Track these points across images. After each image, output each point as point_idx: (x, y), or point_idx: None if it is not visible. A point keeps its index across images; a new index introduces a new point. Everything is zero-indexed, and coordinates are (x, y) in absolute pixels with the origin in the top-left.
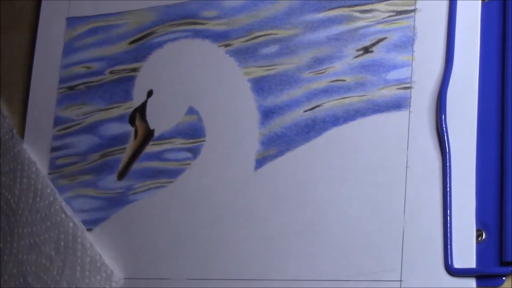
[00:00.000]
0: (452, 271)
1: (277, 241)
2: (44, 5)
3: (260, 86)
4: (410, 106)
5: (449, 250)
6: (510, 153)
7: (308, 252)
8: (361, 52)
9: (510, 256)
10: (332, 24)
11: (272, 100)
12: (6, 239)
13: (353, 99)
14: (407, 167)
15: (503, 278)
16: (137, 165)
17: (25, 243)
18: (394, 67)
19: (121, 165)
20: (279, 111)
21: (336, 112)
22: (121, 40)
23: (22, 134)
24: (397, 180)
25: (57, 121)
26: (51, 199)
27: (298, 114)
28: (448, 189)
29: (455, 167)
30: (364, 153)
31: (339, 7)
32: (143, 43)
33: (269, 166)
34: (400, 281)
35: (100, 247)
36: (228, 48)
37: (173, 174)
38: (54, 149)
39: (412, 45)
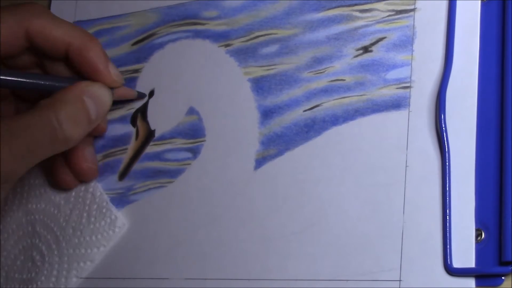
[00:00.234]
0: (452, 271)
1: (276, 240)
2: (52, 11)
3: (260, 86)
4: (409, 105)
5: (448, 249)
6: (510, 152)
7: (307, 251)
8: (361, 51)
9: (509, 255)
10: (331, 23)
11: (272, 100)
12: (16, 190)
13: (353, 99)
14: (406, 166)
15: (503, 277)
16: (137, 166)
17: (35, 193)
18: (394, 66)
19: (122, 166)
20: (279, 111)
21: (335, 112)
22: (124, 42)
23: None
24: (396, 180)
25: None
26: None
27: (297, 114)
28: (447, 188)
29: (455, 166)
30: (363, 153)
31: (338, 6)
32: (145, 44)
33: (268, 166)
34: (400, 280)
35: None
36: (228, 48)
37: (173, 174)
38: None
39: (412, 45)
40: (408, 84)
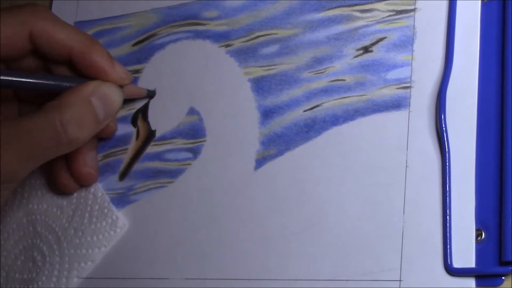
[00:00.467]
0: (452, 271)
1: (276, 240)
2: (53, 11)
3: (260, 86)
4: (409, 105)
5: (448, 249)
6: (510, 152)
7: (307, 251)
8: (361, 51)
9: (509, 255)
10: (332, 23)
11: (272, 100)
12: (17, 190)
13: (353, 99)
14: (406, 166)
15: (503, 277)
16: (138, 166)
17: (36, 194)
18: (394, 66)
19: (122, 166)
20: (279, 111)
21: (335, 112)
22: (125, 42)
23: None
24: (396, 180)
25: None
26: None
27: (298, 114)
28: (447, 188)
29: (455, 166)
30: (363, 153)
31: (339, 6)
32: (145, 45)
33: (269, 166)
34: (400, 280)
35: None
36: (228, 48)
37: (173, 174)
38: None
39: (412, 45)
40: (408, 84)
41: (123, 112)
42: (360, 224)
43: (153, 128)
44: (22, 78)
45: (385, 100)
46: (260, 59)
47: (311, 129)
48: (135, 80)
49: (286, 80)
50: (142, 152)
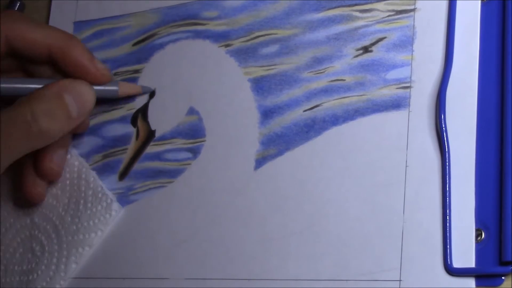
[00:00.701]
0: (452, 271)
1: (276, 240)
2: (53, 11)
3: (260, 86)
4: (409, 105)
5: (448, 249)
6: (509, 152)
7: (307, 252)
8: (361, 51)
9: (509, 255)
10: (331, 23)
11: (272, 100)
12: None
13: (353, 99)
14: (406, 166)
15: (503, 277)
16: (138, 166)
17: None
18: (394, 66)
19: (122, 166)
20: (279, 111)
21: (335, 112)
22: (125, 42)
23: None
24: (396, 180)
25: None
26: None
27: (297, 114)
28: (447, 188)
29: (455, 166)
30: (363, 153)
31: (338, 6)
32: (145, 45)
33: (268, 166)
34: (400, 280)
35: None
36: (228, 48)
37: (173, 174)
38: None
39: (412, 45)
40: (408, 84)
41: (123, 112)
42: (360, 224)
43: (153, 128)
44: None
45: (385, 100)
46: (260, 59)
47: (311, 129)
48: (135, 80)
49: (286, 80)
50: (141, 152)
